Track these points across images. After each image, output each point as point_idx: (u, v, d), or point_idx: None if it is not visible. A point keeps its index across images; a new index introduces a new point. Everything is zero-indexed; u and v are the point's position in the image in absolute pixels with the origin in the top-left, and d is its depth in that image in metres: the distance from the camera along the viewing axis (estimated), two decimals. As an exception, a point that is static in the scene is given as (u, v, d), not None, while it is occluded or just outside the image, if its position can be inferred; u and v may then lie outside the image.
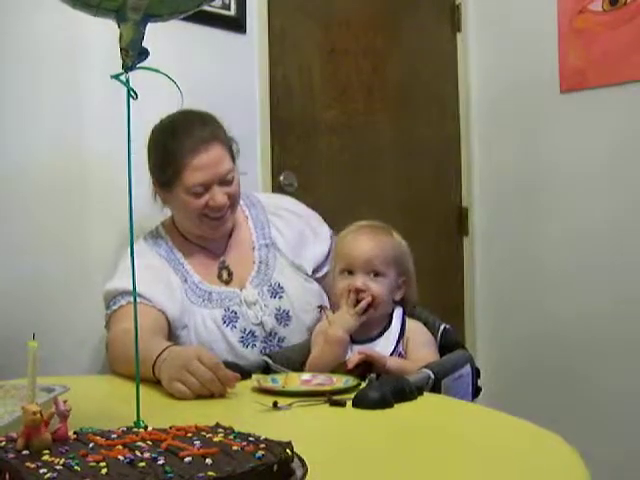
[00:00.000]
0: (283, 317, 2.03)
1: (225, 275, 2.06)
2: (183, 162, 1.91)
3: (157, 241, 2.07)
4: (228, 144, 2.00)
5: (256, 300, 2.01)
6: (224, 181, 1.96)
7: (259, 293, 2.03)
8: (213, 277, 2.05)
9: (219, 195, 1.95)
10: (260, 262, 2.08)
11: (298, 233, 2.14)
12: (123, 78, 1.17)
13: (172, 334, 1.95)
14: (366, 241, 1.88)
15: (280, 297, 2.04)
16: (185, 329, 1.97)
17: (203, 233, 2.04)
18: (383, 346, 1.84)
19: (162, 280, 1.97)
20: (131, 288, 1.81)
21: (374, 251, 1.86)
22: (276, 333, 2.02)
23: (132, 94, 1.17)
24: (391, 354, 1.81)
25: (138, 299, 1.82)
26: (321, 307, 1.99)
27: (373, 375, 1.62)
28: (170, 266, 2.02)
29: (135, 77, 1.20)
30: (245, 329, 1.99)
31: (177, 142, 1.93)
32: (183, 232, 2.07)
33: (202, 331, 1.96)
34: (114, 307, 1.92)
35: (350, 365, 1.72)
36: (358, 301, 1.83)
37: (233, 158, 2.01)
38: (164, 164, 1.96)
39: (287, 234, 2.13)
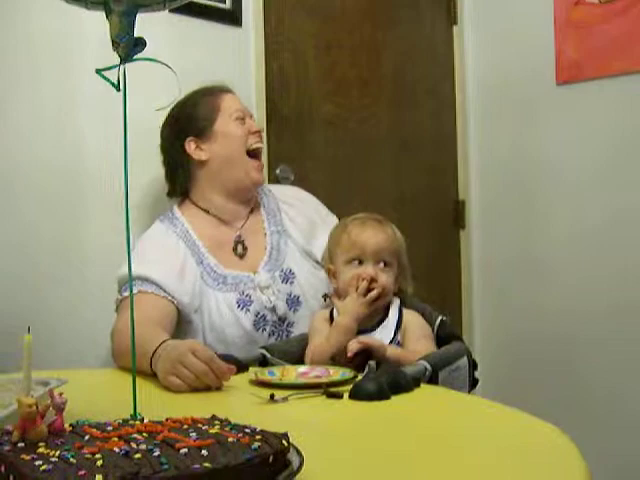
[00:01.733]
0: (294, 302, 2.05)
1: (240, 249, 2.09)
2: (217, 98, 2.13)
3: (173, 221, 2.10)
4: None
5: (269, 285, 2.04)
6: (251, 117, 2.19)
7: (271, 278, 2.05)
8: (228, 254, 2.07)
9: (253, 123, 2.16)
10: (272, 248, 2.11)
11: (308, 220, 2.19)
12: (120, 70, 1.17)
13: (185, 319, 1.97)
14: (376, 232, 1.91)
15: (291, 282, 2.07)
16: (197, 312, 1.98)
17: (245, 176, 2.10)
18: (380, 336, 1.84)
19: (177, 263, 2.00)
20: (144, 273, 1.90)
21: (385, 242, 1.90)
22: (286, 318, 2.04)
23: (116, 87, 1.16)
24: (389, 344, 1.82)
25: (150, 287, 1.91)
26: (326, 295, 2.01)
27: (372, 363, 1.63)
28: (186, 246, 2.04)
29: (131, 71, 1.19)
30: (258, 313, 2.01)
31: (204, 93, 2.14)
32: (209, 197, 2.11)
33: (215, 315, 1.99)
34: (125, 294, 1.93)
35: (350, 353, 1.72)
36: (368, 290, 1.85)
37: None
38: (199, 109, 2.11)
39: (298, 221, 2.17)
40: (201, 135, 2.10)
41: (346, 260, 1.91)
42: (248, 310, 2.01)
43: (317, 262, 2.13)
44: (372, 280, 1.86)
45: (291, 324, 2.05)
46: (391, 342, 1.83)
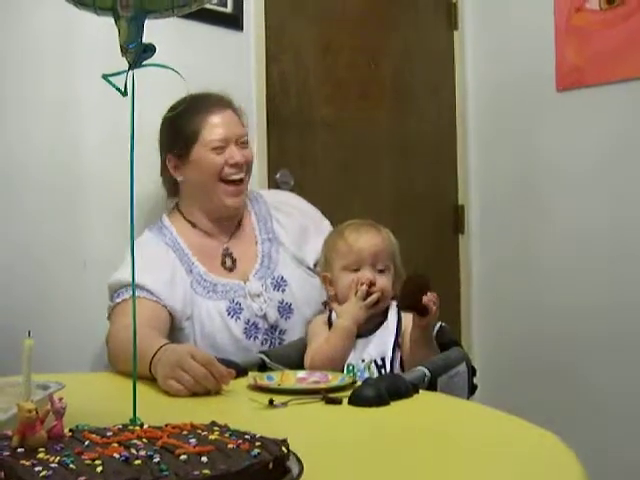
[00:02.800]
0: (285, 310, 2.04)
1: (229, 262, 2.07)
2: (202, 122, 2.02)
3: (162, 231, 2.08)
4: (240, 113, 2.11)
5: (260, 292, 2.03)
6: (240, 142, 2.05)
7: (263, 285, 2.04)
8: (217, 266, 2.06)
9: (237, 153, 2.03)
10: (263, 256, 2.10)
11: (300, 227, 2.17)
12: (129, 75, 1.16)
13: (176, 326, 1.96)
14: (372, 237, 1.93)
15: (283, 290, 2.06)
16: (189, 320, 1.98)
17: (219, 202, 2.05)
18: (380, 338, 1.86)
19: (167, 271, 1.99)
20: (137, 280, 1.84)
21: (381, 246, 1.92)
22: (278, 326, 2.03)
23: (122, 93, 1.15)
24: (393, 347, 1.83)
25: (142, 293, 1.88)
26: (326, 303, 2.02)
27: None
28: (176, 255, 2.03)
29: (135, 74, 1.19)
30: (249, 321, 2.00)
31: (194, 108, 2.00)
32: (192, 218, 2.09)
33: (206, 322, 1.98)
34: (117, 300, 1.92)
35: (426, 300, 1.73)
36: (368, 294, 1.86)
37: (245, 127, 2.11)
38: (182, 129, 2.03)
39: (289, 228, 2.15)
40: (179, 156, 2.06)
41: (344, 266, 1.92)
42: (238, 318, 1.99)
43: (309, 269, 2.13)
44: (371, 284, 1.87)
45: (283, 332, 2.04)
46: (394, 346, 1.84)
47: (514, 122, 3.24)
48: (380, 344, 1.85)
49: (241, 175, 2.05)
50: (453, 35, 3.37)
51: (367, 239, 1.92)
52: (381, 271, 1.91)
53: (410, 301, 1.76)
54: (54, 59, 2.17)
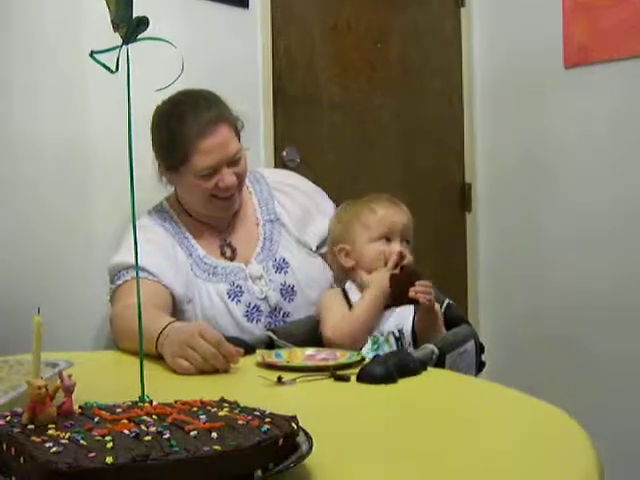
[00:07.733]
0: (288, 292, 2.03)
1: (228, 252, 2.06)
2: (191, 146, 1.90)
3: (162, 215, 2.07)
4: (234, 123, 1.99)
5: (261, 275, 2.02)
6: (232, 161, 1.96)
7: (264, 268, 2.03)
8: (217, 253, 2.05)
9: (228, 176, 1.94)
10: (265, 238, 2.08)
11: (302, 209, 2.14)
12: (122, 51, 1.14)
13: (177, 309, 1.95)
14: (401, 211, 1.99)
15: (285, 272, 2.04)
16: (190, 303, 1.97)
17: (212, 213, 2.04)
18: (400, 311, 1.87)
19: (167, 254, 1.97)
20: (139, 262, 1.84)
21: (408, 221, 1.98)
22: (281, 308, 2.02)
23: (110, 71, 1.13)
24: (413, 320, 1.85)
25: (143, 274, 1.86)
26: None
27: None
28: (175, 240, 2.02)
29: (136, 51, 1.17)
30: (250, 303, 1.99)
31: (184, 126, 1.91)
32: (188, 210, 2.07)
33: (207, 305, 1.97)
34: (118, 282, 1.92)
35: (412, 294, 1.79)
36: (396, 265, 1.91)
37: (238, 136, 2.01)
38: (171, 148, 1.94)
39: (291, 209, 2.13)
40: (168, 170, 2.00)
41: (373, 237, 1.95)
42: (239, 301, 1.98)
43: (312, 250, 2.11)
44: (402, 256, 1.91)
45: (287, 314, 2.02)
46: (413, 319, 1.85)
47: (521, 100, 3.23)
48: (399, 317, 1.86)
49: (232, 192, 1.99)
50: (460, 13, 3.35)
51: (397, 212, 1.98)
52: (407, 245, 1.96)
53: (399, 298, 1.83)
54: (60, 36, 2.16)
